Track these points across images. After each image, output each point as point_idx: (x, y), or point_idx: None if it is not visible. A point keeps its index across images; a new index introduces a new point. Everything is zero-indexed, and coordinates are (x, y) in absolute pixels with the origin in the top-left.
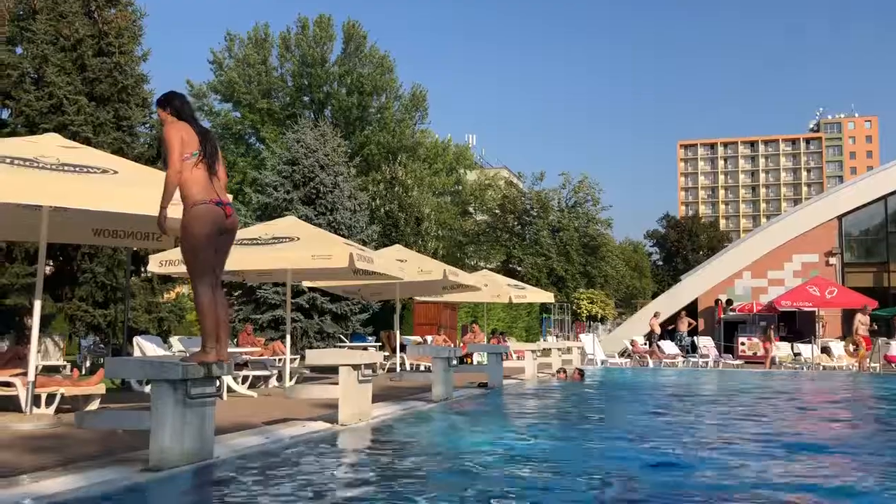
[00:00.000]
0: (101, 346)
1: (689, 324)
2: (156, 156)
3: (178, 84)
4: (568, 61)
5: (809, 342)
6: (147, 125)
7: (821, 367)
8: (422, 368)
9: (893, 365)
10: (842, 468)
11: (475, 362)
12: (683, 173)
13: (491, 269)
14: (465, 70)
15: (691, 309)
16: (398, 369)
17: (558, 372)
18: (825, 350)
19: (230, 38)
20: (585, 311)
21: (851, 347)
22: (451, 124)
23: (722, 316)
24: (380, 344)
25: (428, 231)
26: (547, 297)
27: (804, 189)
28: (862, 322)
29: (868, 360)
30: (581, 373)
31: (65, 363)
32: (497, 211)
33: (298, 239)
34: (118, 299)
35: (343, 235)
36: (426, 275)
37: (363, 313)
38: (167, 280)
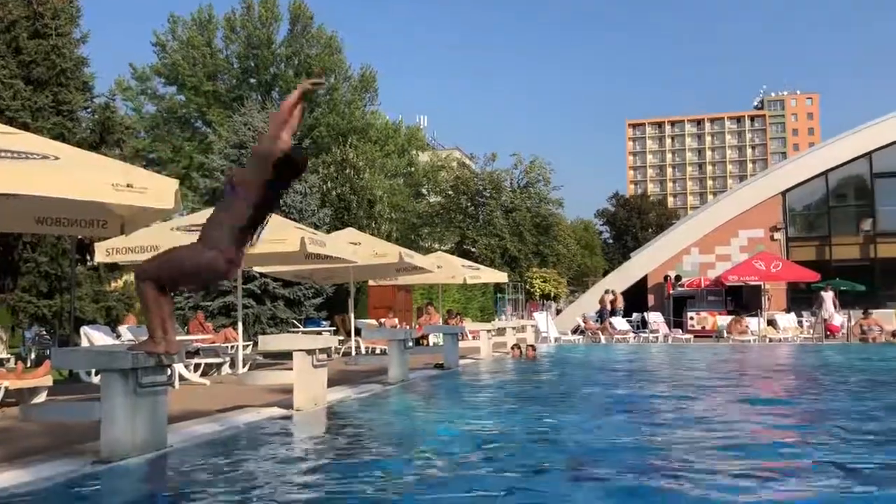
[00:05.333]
0: (47, 337)
1: (611, 301)
2: (99, 141)
3: (120, 67)
4: (517, 41)
5: (756, 315)
6: (89, 109)
7: (767, 340)
8: (377, 351)
9: (835, 335)
10: None
11: (431, 344)
12: (632, 152)
13: (445, 251)
14: (415, 51)
15: (641, 285)
16: (353, 353)
17: (512, 348)
18: (771, 323)
19: (173, 20)
20: (539, 290)
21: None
22: (401, 106)
23: (671, 291)
24: (334, 328)
25: (381, 214)
26: (501, 277)
27: (749, 166)
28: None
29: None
30: (534, 349)
31: (8, 356)
32: (450, 192)
33: None
34: (63, 289)
35: (293, 219)
36: (381, 258)
37: (317, 298)
38: (115, 268)
